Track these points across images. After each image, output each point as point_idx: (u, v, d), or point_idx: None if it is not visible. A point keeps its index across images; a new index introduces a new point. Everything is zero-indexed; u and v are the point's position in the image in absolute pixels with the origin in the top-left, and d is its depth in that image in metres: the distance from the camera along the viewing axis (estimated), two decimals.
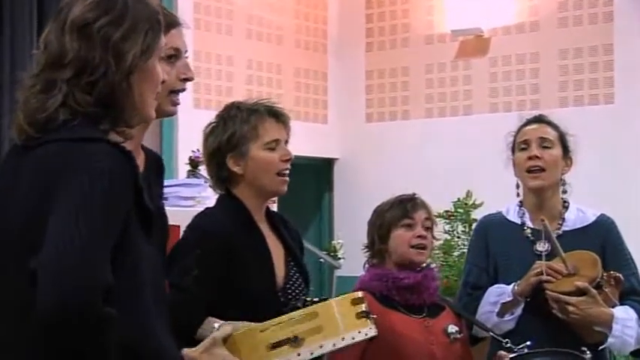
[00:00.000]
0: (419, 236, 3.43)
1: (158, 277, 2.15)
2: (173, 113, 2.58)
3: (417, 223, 3.44)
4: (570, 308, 3.38)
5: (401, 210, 3.45)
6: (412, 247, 3.41)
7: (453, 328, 3.42)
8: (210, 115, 3.25)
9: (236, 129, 3.07)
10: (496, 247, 3.62)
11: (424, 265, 3.49)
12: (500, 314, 3.51)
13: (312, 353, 2.31)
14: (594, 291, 3.39)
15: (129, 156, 1.99)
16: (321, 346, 2.26)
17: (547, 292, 3.41)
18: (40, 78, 2.06)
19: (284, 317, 2.29)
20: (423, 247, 3.43)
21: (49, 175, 1.96)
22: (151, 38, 2.10)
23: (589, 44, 7.92)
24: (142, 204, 2.03)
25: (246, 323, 2.67)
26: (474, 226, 4.12)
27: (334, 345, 2.28)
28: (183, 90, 2.58)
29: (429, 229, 3.48)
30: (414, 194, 3.54)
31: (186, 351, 2.29)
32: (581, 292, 3.39)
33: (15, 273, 1.97)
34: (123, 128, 2.09)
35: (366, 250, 3.54)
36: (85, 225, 1.87)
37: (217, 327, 2.71)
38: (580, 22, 7.98)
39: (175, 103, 2.55)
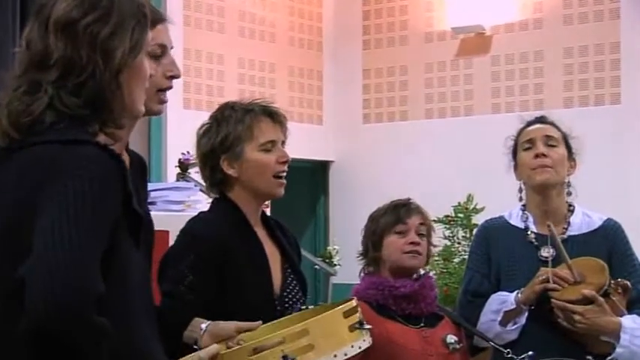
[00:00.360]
0: (412, 242, 3.37)
1: (146, 283, 2.13)
2: (160, 112, 2.53)
3: (410, 229, 3.39)
4: (577, 317, 3.33)
5: (394, 216, 3.41)
6: (405, 253, 3.36)
7: (452, 338, 3.38)
8: (200, 116, 3.23)
9: (230, 130, 3.03)
10: (498, 252, 3.57)
11: (421, 273, 3.44)
12: (503, 323, 3.45)
13: None
14: (602, 299, 3.35)
15: (118, 159, 1.97)
16: None
17: (552, 300, 3.36)
18: (23, 79, 2.03)
19: (272, 335, 2.21)
20: (417, 254, 3.38)
21: (36, 178, 1.93)
22: (138, 34, 2.07)
23: (595, 42, 7.93)
24: (131, 208, 2.00)
25: (233, 323, 2.63)
26: (474, 231, 4.06)
27: None
28: (170, 88, 2.53)
29: (424, 235, 3.42)
30: (409, 199, 3.49)
31: None
32: (588, 300, 3.35)
33: (5, 275, 1.93)
34: (112, 129, 2.06)
35: (360, 257, 3.50)
36: (75, 228, 1.85)
37: (204, 328, 2.69)
38: (585, 19, 7.98)
39: (163, 102, 2.51)
